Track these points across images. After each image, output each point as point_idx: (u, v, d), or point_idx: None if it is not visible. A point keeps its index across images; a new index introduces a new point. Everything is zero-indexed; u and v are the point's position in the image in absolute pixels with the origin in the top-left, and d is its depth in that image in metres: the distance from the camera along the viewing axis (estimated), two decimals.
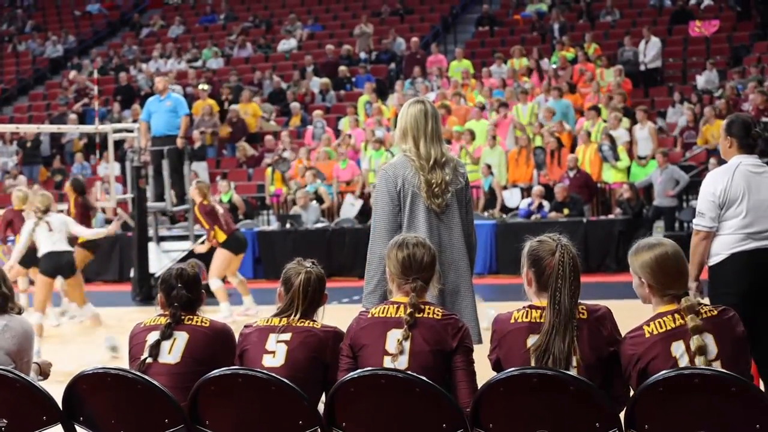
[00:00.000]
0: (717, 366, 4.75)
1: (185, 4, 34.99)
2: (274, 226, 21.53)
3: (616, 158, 20.75)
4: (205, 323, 5.58)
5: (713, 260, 7.05)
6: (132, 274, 18.58)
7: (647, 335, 4.85)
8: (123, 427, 5.23)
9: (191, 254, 16.60)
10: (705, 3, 27.88)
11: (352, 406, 4.97)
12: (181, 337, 5.51)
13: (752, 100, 21.33)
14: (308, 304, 5.42)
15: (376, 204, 6.42)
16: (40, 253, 12.52)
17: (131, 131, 20.29)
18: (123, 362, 5.81)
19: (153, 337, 5.51)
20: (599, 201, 20.67)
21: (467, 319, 6.03)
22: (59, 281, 15.09)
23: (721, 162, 7.30)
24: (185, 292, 5.60)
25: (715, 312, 4.90)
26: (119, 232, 20.46)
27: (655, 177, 19.93)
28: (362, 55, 28.95)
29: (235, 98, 26.98)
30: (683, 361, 4.76)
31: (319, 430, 5.01)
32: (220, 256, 15.14)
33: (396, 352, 5.09)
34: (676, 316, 4.86)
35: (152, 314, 5.68)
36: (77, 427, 5.34)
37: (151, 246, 18.66)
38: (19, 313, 5.97)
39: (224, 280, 15.44)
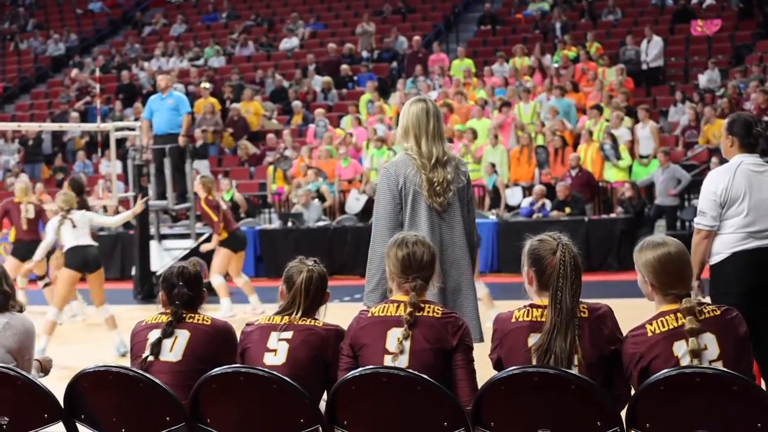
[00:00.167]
0: (719, 366, 4.74)
1: (187, 3, 35.01)
2: (276, 224, 21.53)
3: (618, 157, 20.74)
4: (207, 321, 5.59)
5: (714, 259, 7.05)
6: (133, 272, 18.59)
7: (649, 334, 4.85)
8: (124, 425, 5.23)
9: (193, 252, 16.62)
10: (707, 2, 27.87)
11: (354, 404, 4.97)
12: (183, 336, 5.51)
13: (754, 99, 21.32)
14: (310, 303, 5.42)
15: (378, 202, 6.43)
16: (65, 249, 12.54)
17: (133, 129, 20.30)
18: (125, 361, 5.80)
19: (154, 335, 5.51)
20: (601, 200, 20.66)
21: (468, 318, 6.03)
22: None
23: (723, 161, 7.31)
24: (186, 290, 5.61)
25: (718, 312, 4.90)
26: (120, 230, 20.52)
27: (657, 176, 19.93)
28: (364, 53, 28.95)
29: (237, 97, 26.98)
30: (685, 361, 4.76)
31: (320, 428, 5.02)
32: (220, 253, 15.18)
33: (396, 351, 5.09)
34: (679, 315, 4.85)
35: (154, 312, 5.69)
36: (78, 425, 5.34)
37: (153, 244, 18.66)
38: (21, 311, 5.97)
39: (227, 278, 15.45)
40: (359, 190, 21.85)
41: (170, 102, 18.29)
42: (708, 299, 6.65)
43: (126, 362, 5.57)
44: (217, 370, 5.10)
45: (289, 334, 5.31)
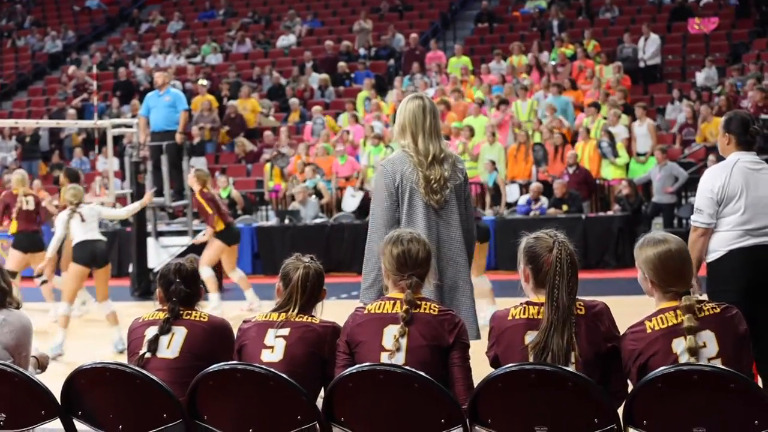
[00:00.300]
0: (717, 364, 4.74)
1: (184, 0, 34.97)
2: (273, 221, 21.52)
3: (615, 155, 20.75)
4: (204, 318, 5.60)
5: (711, 257, 7.05)
6: (131, 269, 18.58)
7: (649, 330, 4.86)
8: (121, 422, 5.23)
9: (190, 249, 16.61)
10: (704, 0, 27.87)
11: (351, 401, 4.97)
12: (180, 332, 5.52)
13: (751, 97, 21.33)
14: (307, 300, 5.43)
15: (375, 199, 6.43)
16: (74, 243, 12.52)
17: (130, 126, 20.29)
18: (123, 358, 5.81)
19: (151, 332, 5.52)
20: (598, 197, 20.67)
21: (465, 315, 6.04)
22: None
23: (720, 159, 7.30)
24: (183, 287, 5.62)
25: (718, 309, 4.90)
26: (118, 227, 20.51)
27: (654, 174, 19.94)
28: (361, 51, 28.94)
29: (234, 94, 26.97)
30: (684, 358, 4.76)
31: (317, 425, 5.02)
32: (214, 245, 15.16)
33: (393, 349, 5.10)
34: (678, 312, 4.85)
35: (151, 309, 5.69)
36: (76, 422, 5.34)
37: (150, 241, 18.65)
38: (18, 307, 5.97)
39: (222, 275, 15.42)
40: (355, 188, 21.85)
41: (167, 99, 18.27)
42: (705, 297, 6.65)
43: (124, 359, 5.57)
44: (214, 367, 5.10)
45: (286, 331, 5.32)
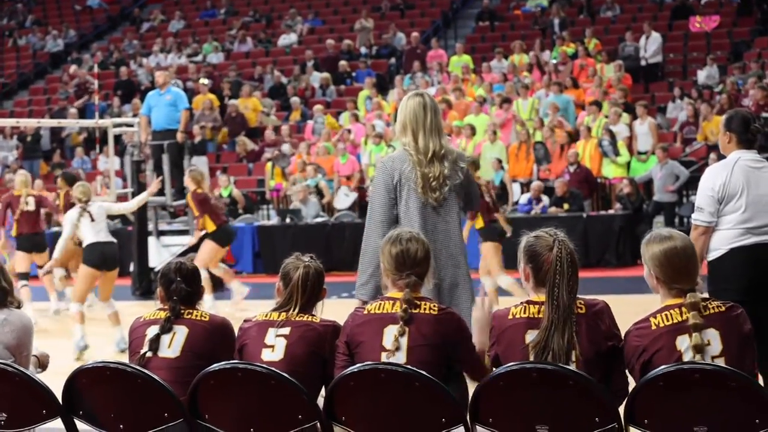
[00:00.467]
0: (721, 363, 4.74)
1: None
2: (274, 220, 21.52)
3: (616, 153, 20.75)
4: (205, 317, 5.60)
5: (712, 255, 7.04)
6: (132, 268, 18.58)
7: (653, 327, 4.85)
8: (122, 421, 5.23)
9: (190, 250, 16.60)
10: None
11: (352, 400, 4.97)
12: (181, 332, 5.52)
13: (752, 95, 21.32)
14: (307, 299, 5.43)
15: (373, 196, 6.43)
16: (84, 244, 12.40)
17: (131, 125, 20.29)
18: (124, 357, 5.80)
19: (153, 331, 5.53)
20: (599, 196, 20.66)
21: (465, 313, 6.04)
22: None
23: (721, 157, 7.30)
24: (184, 285, 5.63)
25: (723, 308, 4.90)
26: (119, 226, 20.50)
27: (655, 172, 19.93)
28: (362, 49, 28.94)
29: (236, 93, 26.97)
30: (688, 356, 4.76)
31: (318, 424, 5.02)
32: (207, 246, 15.14)
33: (393, 348, 5.10)
34: (683, 309, 4.85)
35: (152, 308, 5.69)
36: (77, 421, 5.35)
37: (151, 240, 18.66)
38: (18, 307, 5.97)
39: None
40: (350, 187, 21.85)
41: (168, 98, 18.28)
42: (705, 295, 6.64)
43: (125, 358, 5.57)
44: (215, 366, 5.10)
45: (286, 330, 5.32)
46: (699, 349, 4.74)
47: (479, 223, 13.60)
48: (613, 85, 23.29)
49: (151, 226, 18.86)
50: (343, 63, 27.93)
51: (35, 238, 15.23)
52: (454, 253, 6.39)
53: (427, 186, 6.30)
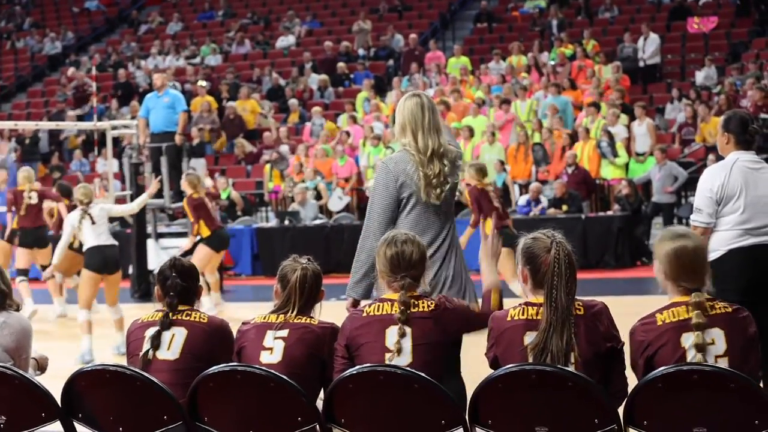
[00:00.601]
0: (724, 362, 4.75)
1: (183, 1, 34.97)
2: (273, 222, 21.52)
3: (615, 155, 20.75)
4: (204, 319, 5.60)
5: (711, 256, 7.01)
6: (130, 270, 18.57)
7: (659, 323, 4.87)
8: (122, 424, 5.23)
9: (186, 253, 16.59)
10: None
11: (351, 402, 4.97)
12: (180, 333, 5.52)
13: (750, 96, 21.33)
14: (305, 301, 5.43)
15: (374, 197, 6.40)
16: (85, 248, 12.23)
17: (128, 128, 20.28)
18: (122, 360, 5.80)
19: (151, 332, 5.52)
20: (598, 197, 20.66)
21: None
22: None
23: (720, 158, 7.30)
24: (179, 280, 5.62)
25: (730, 309, 4.91)
26: (117, 228, 20.49)
27: (654, 173, 19.95)
28: (360, 51, 28.94)
29: (234, 95, 26.97)
30: (691, 353, 4.78)
31: (317, 426, 5.02)
32: (201, 251, 15.12)
33: (393, 350, 5.11)
34: (690, 307, 4.86)
35: (151, 311, 5.69)
36: (76, 424, 5.34)
37: (150, 243, 18.64)
38: (17, 309, 5.96)
39: (222, 277, 15.42)
40: (344, 190, 21.86)
41: (166, 100, 18.27)
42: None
43: (124, 361, 5.56)
44: (214, 369, 5.11)
45: (284, 333, 5.32)
46: (700, 348, 4.75)
47: (489, 229, 13.51)
48: (610, 86, 23.30)
49: (149, 229, 18.84)
50: (341, 65, 27.93)
51: (37, 232, 15.24)
52: (456, 246, 6.41)
53: (429, 185, 6.30)
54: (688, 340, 4.80)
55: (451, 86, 24.43)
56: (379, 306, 5.27)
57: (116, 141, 22.16)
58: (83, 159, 26.03)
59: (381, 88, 26.61)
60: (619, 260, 18.70)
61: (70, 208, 14.92)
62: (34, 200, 15.15)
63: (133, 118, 22.68)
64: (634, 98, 23.59)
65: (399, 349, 5.11)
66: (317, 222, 20.72)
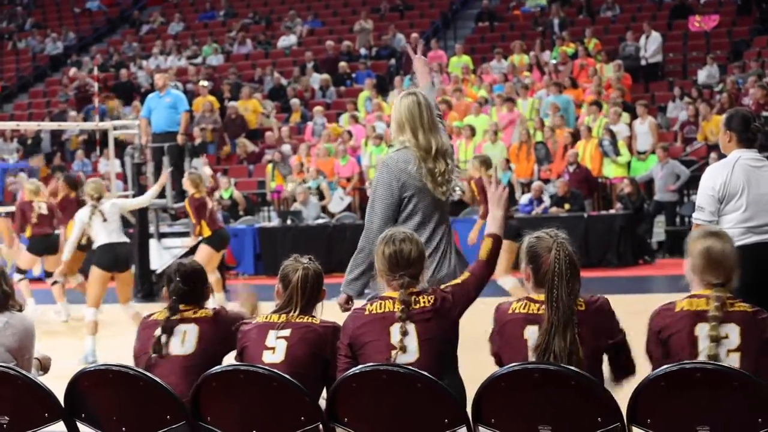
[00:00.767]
0: (736, 357, 4.80)
1: (185, 1, 34.97)
2: (275, 222, 21.53)
3: (617, 153, 20.75)
4: (209, 313, 5.68)
5: None
6: (133, 270, 18.55)
7: (677, 309, 4.96)
8: (125, 424, 5.23)
9: (188, 252, 16.59)
10: None
11: (354, 401, 4.97)
12: (191, 330, 5.59)
13: (752, 94, 21.32)
14: (307, 300, 5.43)
15: (375, 196, 6.35)
16: (95, 245, 12.06)
17: (129, 128, 20.29)
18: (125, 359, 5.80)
19: (159, 332, 5.59)
20: (600, 196, 20.65)
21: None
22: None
23: (722, 157, 7.30)
24: (182, 285, 5.66)
25: (749, 310, 4.96)
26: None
27: (656, 172, 19.95)
28: (362, 51, 28.94)
29: (235, 95, 26.97)
30: (704, 343, 4.83)
31: (320, 426, 5.02)
32: (203, 251, 15.09)
33: (399, 346, 5.12)
34: (709, 300, 4.93)
35: (159, 308, 5.75)
36: (79, 424, 5.35)
37: (152, 242, 18.65)
38: (20, 310, 5.97)
39: (224, 275, 15.40)
40: (346, 191, 21.85)
41: (168, 100, 18.26)
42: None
43: (127, 361, 5.56)
44: (217, 369, 5.12)
45: (287, 332, 5.32)
46: (714, 338, 4.81)
47: None
48: (611, 85, 23.29)
49: (152, 229, 18.84)
50: (342, 64, 27.93)
51: (47, 240, 15.27)
52: (455, 248, 6.41)
53: (435, 182, 6.28)
54: (702, 329, 4.86)
55: (452, 85, 24.44)
56: (381, 304, 5.27)
57: (118, 141, 22.15)
58: (85, 159, 26.03)
59: (383, 88, 26.61)
60: (622, 259, 18.68)
61: (77, 200, 14.96)
62: (44, 210, 15.17)
63: (135, 118, 22.67)
64: (635, 97, 23.59)
65: (404, 347, 5.12)
66: (319, 221, 20.71)
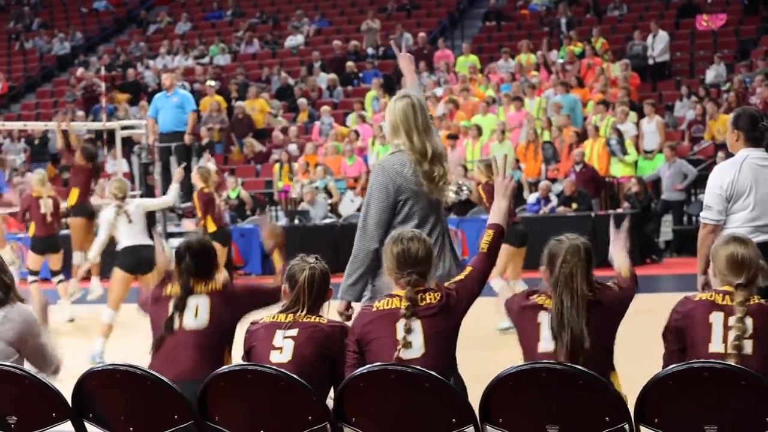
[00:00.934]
0: (749, 344, 4.92)
1: (192, 1, 34.99)
2: (283, 221, 21.52)
3: (624, 152, 20.73)
4: (218, 287, 5.90)
5: None
6: (155, 272, 18.54)
7: (697, 299, 5.13)
8: (132, 424, 5.24)
9: None
10: None
11: (362, 401, 4.98)
12: (203, 302, 5.79)
13: (760, 93, 21.30)
14: (314, 300, 5.45)
15: (370, 198, 6.32)
16: (119, 247, 11.79)
17: (135, 128, 20.31)
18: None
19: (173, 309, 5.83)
20: (607, 195, 20.63)
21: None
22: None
23: (729, 156, 7.30)
24: (192, 261, 5.86)
25: (765, 303, 5.08)
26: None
27: (663, 171, 19.93)
28: (369, 50, 28.94)
29: (243, 94, 26.98)
30: (717, 332, 4.98)
31: (328, 425, 5.02)
32: None
33: (402, 343, 5.15)
34: (728, 297, 5.06)
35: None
36: (87, 424, 5.35)
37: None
38: (21, 302, 5.96)
39: (232, 272, 15.40)
40: (355, 192, 21.85)
41: (175, 100, 18.29)
42: None
43: (135, 361, 5.56)
44: (224, 368, 5.13)
45: (294, 332, 5.33)
46: (741, 332, 4.95)
47: None
48: (618, 84, 23.28)
49: (159, 228, 18.86)
50: (350, 64, 27.93)
51: (50, 240, 15.23)
52: (451, 249, 6.41)
53: (432, 184, 6.27)
54: (716, 318, 5.01)
55: (460, 85, 24.44)
56: (388, 301, 5.30)
57: (125, 141, 22.17)
58: None
59: (390, 87, 26.56)
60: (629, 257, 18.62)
61: (87, 169, 14.97)
62: (50, 209, 15.04)
63: (141, 118, 22.70)
64: (643, 96, 23.57)
65: (409, 343, 5.14)
66: (327, 221, 20.72)
